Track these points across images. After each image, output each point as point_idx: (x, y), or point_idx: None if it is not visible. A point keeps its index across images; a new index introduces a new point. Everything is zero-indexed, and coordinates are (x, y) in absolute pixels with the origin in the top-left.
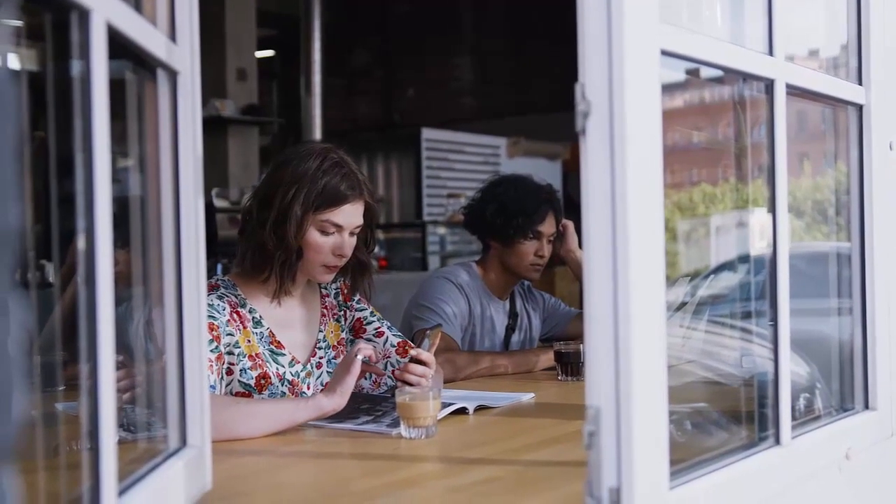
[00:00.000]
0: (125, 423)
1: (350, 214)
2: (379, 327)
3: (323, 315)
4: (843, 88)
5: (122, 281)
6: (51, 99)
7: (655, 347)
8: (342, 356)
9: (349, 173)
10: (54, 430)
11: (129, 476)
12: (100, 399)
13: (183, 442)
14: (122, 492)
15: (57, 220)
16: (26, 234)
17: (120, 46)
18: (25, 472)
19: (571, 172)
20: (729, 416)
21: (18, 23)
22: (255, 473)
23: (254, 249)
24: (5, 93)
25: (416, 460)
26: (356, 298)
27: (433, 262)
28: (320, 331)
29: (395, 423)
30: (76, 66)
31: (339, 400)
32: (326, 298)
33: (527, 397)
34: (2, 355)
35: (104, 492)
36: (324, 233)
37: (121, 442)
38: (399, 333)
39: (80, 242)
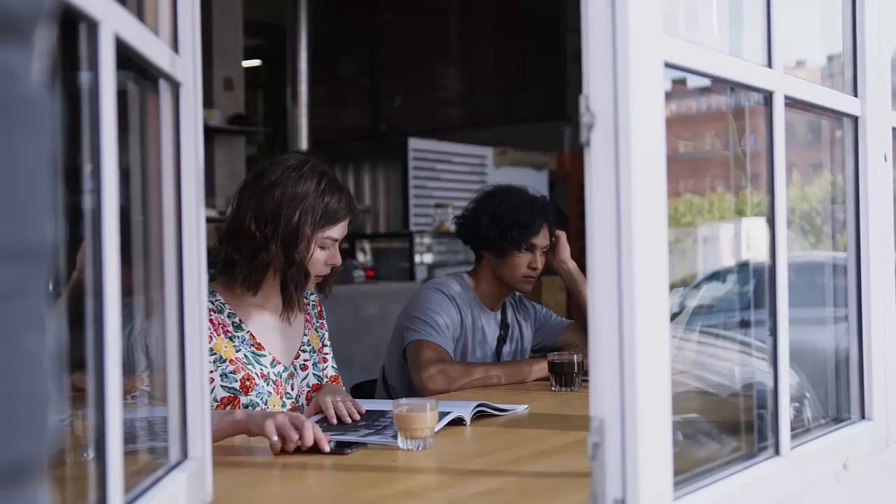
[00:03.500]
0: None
1: (345, 228)
2: (327, 354)
3: (307, 320)
4: (839, 100)
5: (122, 291)
6: (57, 108)
7: (660, 358)
8: (322, 364)
9: (344, 190)
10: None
11: (133, 489)
12: (106, 412)
13: (184, 454)
14: None
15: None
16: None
17: (124, 57)
18: None
19: (558, 182)
20: (726, 427)
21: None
22: (254, 485)
23: (258, 268)
24: (43, 107)
25: (415, 472)
26: (324, 317)
27: (420, 272)
28: (305, 334)
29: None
30: (84, 77)
31: (247, 423)
32: (307, 307)
33: (521, 409)
34: (39, 369)
35: None
36: (322, 248)
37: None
38: (336, 366)
39: (88, 252)
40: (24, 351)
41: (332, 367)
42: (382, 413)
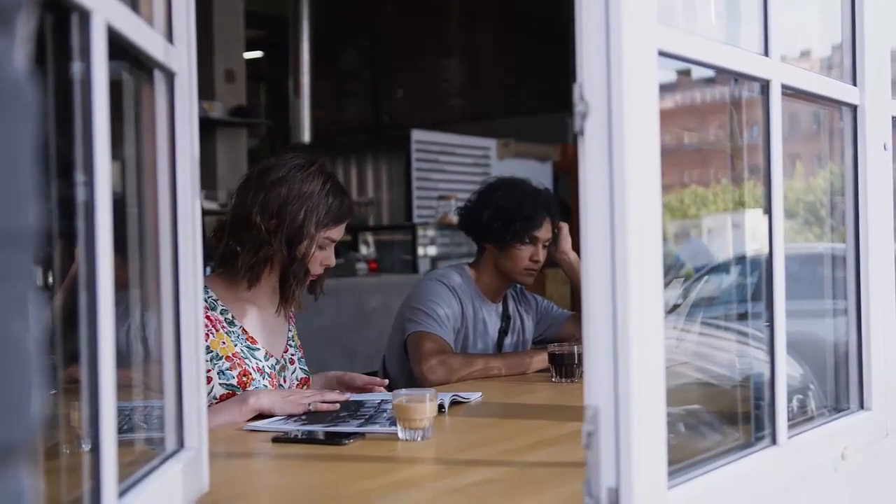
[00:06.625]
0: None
1: (343, 230)
2: (293, 354)
3: (290, 318)
4: (837, 89)
5: (117, 284)
6: (49, 100)
7: (654, 347)
8: (303, 359)
9: (347, 194)
10: (49, 433)
11: (128, 478)
12: (100, 402)
13: (180, 444)
14: (121, 493)
15: (48, 223)
16: (43, 235)
17: (117, 47)
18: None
19: (562, 174)
20: (724, 417)
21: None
22: (251, 476)
23: (260, 262)
24: (25, 94)
25: (413, 462)
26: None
27: (423, 264)
28: (290, 330)
29: (395, 422)
30: (76, 67)
31: (266, 401)
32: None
33: (475, 397)
34: (22, 353)
35: (105, 494)
36: (320, 248)
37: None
38: (306, 368)
39: (80, 245)
40: (7, 335)
41: (301, 368)
42: (361, 403)
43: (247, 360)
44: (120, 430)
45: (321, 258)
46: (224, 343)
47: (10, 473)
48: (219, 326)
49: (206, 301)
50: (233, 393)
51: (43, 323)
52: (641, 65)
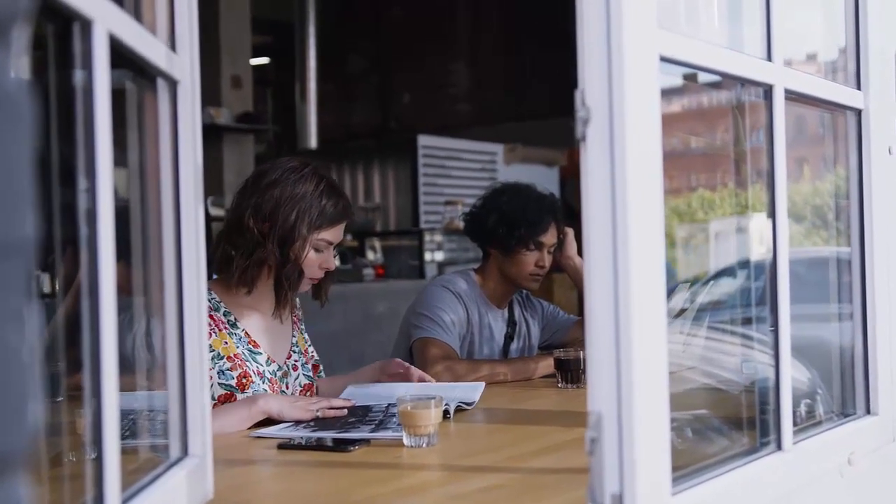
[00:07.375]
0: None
1: (341, 232)
2: (313, 355)
3: (294, 323)
4: (841, 93)
5: (122, 291)
6: (52, 108)
7: (657, 353)
8: (310, 363)
9: (342, 196)
10: (54, 440)
11: (132, 485)
12: (103, 410)
13: (184, 451)
14: (125, 501)
15: (53, 230)
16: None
17: (120, 56)
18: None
19: (569, 179)
20: (730, 422)
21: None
22: (256, 483)
23: (254, 265)
24: (22, 105)
25: (419, 468)
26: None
27: (430, 270)
28: (293, 336)
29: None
30: (78, 76)
31: (275, 405)
32: (295, 309)
33: (478, 393)
34: (17, 363)
35: (108, 502)
36: (317, 250)
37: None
38: (310, 374)
39: (83, 252)
40: (3, 345)
41: (305, 374)
42: (369, 408)
43: (248, 363)
44: (123, 437)
45: (319, 261)
46: (226, 343)
47: (7, 483)
48: (221, 327)
49: (209, 302)
50: (231, 394)
51: (41, 333)
52: (643, 70)
